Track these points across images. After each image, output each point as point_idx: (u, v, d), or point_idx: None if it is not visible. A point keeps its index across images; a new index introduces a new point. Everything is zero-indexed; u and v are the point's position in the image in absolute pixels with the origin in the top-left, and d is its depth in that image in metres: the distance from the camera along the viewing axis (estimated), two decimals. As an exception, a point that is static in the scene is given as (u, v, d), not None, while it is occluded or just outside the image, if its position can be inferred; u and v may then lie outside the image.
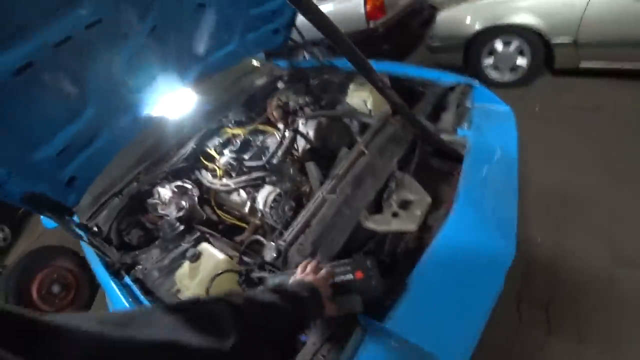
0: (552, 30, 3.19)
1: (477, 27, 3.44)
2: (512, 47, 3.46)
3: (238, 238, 1.88)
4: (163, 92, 1.75)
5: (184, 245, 1.66)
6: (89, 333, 0.44)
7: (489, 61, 3.63)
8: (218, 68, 2.14)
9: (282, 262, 1.33)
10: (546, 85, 3.61)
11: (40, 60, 1.02)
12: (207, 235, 1.77)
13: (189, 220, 1.82)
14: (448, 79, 2.06)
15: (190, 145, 2.12)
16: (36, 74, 1.05)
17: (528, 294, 1.99)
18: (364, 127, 2.00)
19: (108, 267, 1.69)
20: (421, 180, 1.56)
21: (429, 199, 1.36)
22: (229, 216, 1.97)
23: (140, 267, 1.68)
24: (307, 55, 3.28)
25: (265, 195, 1.67)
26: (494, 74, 3.68)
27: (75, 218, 2.01)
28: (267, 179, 1.79)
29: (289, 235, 1.37)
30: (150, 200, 1.86)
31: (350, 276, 1.00)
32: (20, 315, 0.38)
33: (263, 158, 1.88)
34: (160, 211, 1.80)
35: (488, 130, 1.66)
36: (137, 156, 2.19)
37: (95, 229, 1.90)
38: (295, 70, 2.64)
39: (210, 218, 1.99)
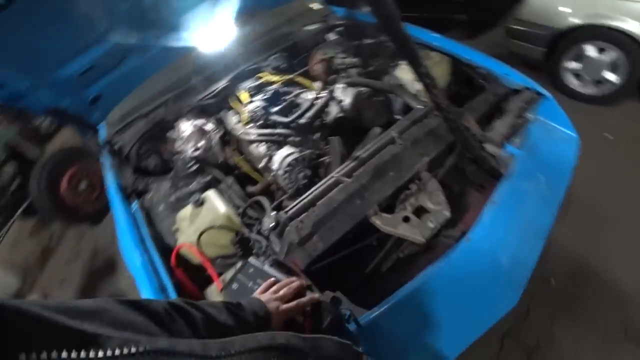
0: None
1: (576, 20, 2.90)
2: (607, 56, 2.90)
3: (250, 189, 1.86)
4: (201, 22, 1.64)
5: (192, 187, 1.66)
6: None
7: (572, 65, 3.12)
8: (267, 5, 1.98)
9: (278, 234, 1.29)
10: (631, 111, 3.07)
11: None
12: (219, 180, 1.76)
13: (204, 161, 1.80)
14: (517, 79, 1.78)
15: (223, 83, 2.04)
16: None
17: (518, 330, 1.88)
18: (406, 109, 1.83)
19: (120, 189, 1.73)
20: (448, 186, 1.43)
21: (447, 214, 1.23)
22: (246, 164, 1.93)
23: (149, 196, 1.71)
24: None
25: (282, 156, 1.60)
26: (573, 82, 3.18)
27: (102, 130, 2.05)
28: (290, 139, 1.71)
29: (291, 209, 1.31)
30: (170, 134, 1.83)
31: (298, 319, 0.85)
32: None
33: (291, 115, 1.78)
34: (177, 146, 1.78)
35: (541, 155, 1.44)
36: (169, 82, 2.14)
37: (118, 147, 1.92)
38: (351, 22, 2.40)
39: (228, 161, 1.96)
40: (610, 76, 2.98)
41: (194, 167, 1.70)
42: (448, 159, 1.45)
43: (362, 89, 1.79)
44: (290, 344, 0.52)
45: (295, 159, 1.56)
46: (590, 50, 2.98)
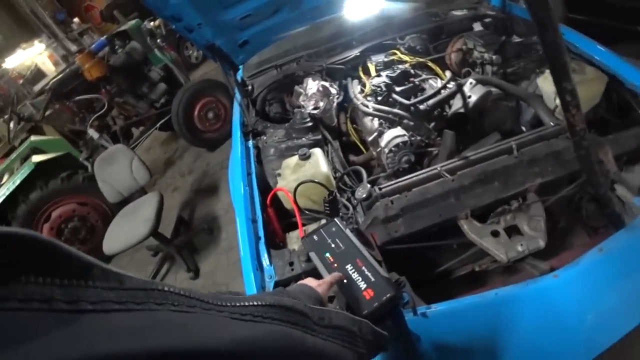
0: None
1: None
2: None
3: (352, 158, 1.95)
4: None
5: (303, 141, 1.80)
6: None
7: None
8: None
9: (367, 207, 1.37)
10: None
11: None
12: (327, 141, 1.87)
13: (320, 120, 1.92)
14: None
15: (355, 52, 2.11)
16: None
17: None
18: (535, 122, 1.68)
19: (242, 125, 1.96)
20: (555, 217, 1.32)
21: (542, 244, 1.15)
22: (355, 134, 2.01)
23: (264, 138, 1.91)
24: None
25: (392, 136, 1.64)
26: None
27: (240, 72, 2.31)
28: (404, 121, 1.72)
29: (386, 187, 1.37)
30: (297, 87, 1.99)
31: (360, 285, 0.88)
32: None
33: (412, 98, 1.78)
34: (299, 100, 1.93)
35: None
36: (308, 40, 2.29)
37: (249, 89, 2.16)
38: (503, 15, 2.22)
39: (340, 127, 2.06)
40: None
41: (309, 124, 1.83)
42: (565, 189, 1.33)
43: (493, 89, 1.69)
44: (296, 307, 0.54)
45: (404, 142, 1.58)
46: None
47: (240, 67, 2.33)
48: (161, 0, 1.50)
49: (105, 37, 4.56)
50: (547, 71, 1.77)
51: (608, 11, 3.34)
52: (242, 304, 0.48)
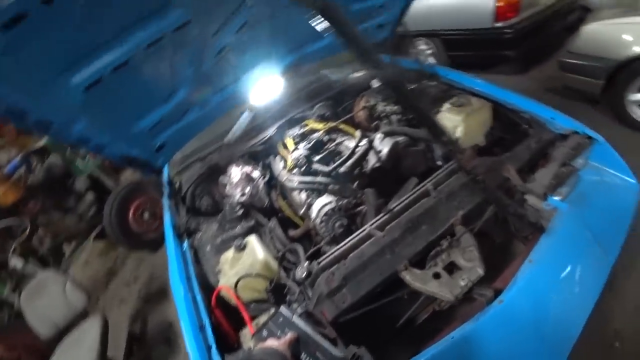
0: None
1: (638, 50, 2.74)
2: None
3: (291, 232, 1.94)
4: (254, 79, 1.82)
5: (237, 231, 1.77)
6: None
7: (637, 97, 2.92)
8: (313, 59, 2.13)
9: (310, 284, 1.34)
10: None
11: (134, 58, 1.14)
12: (262, 224, 1.85)
13: (250, 205, 1.92)
14: (563, 122, 1.70)
15: (271, 131, 2.19)
16: (132, 69, 1.18)
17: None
18: (445, 156, 1.83)
19: (174, 227, 1.89)
20: (491, 236, 1.39)
21: (480, 272, 1.21)
22: (289, 209, 2.03)
23: (199, 235, 1.85)
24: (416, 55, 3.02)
25: (320, 205, 1.68)
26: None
27: (165, 170, 2.28)
28: (329, 187, 1.78)
29: (323, 260, 1.37)
30: (221, 179, 2.00)
31: None
32: None
33: (332, 163, 1.86)
34: (227, 191, 1.93)
35: (591, 208, 1.35)
36: (224, 128, 2.35)
37: (177, 187, 2.13)
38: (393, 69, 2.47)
39: (274, 204, 2.07)
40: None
41: (240, 212, 1.82)
42: (488, 210, 1.42)
43: (400, 138, 1.83)
44: None
45: (332, 209, 1.62)
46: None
47: (165, 166, 2.30)
48: (63, 130, 1.46)
49: (20, 156, 4.31)
50: (443, 109, 1.97)
51: (479, 43, 3.91)
52: None
